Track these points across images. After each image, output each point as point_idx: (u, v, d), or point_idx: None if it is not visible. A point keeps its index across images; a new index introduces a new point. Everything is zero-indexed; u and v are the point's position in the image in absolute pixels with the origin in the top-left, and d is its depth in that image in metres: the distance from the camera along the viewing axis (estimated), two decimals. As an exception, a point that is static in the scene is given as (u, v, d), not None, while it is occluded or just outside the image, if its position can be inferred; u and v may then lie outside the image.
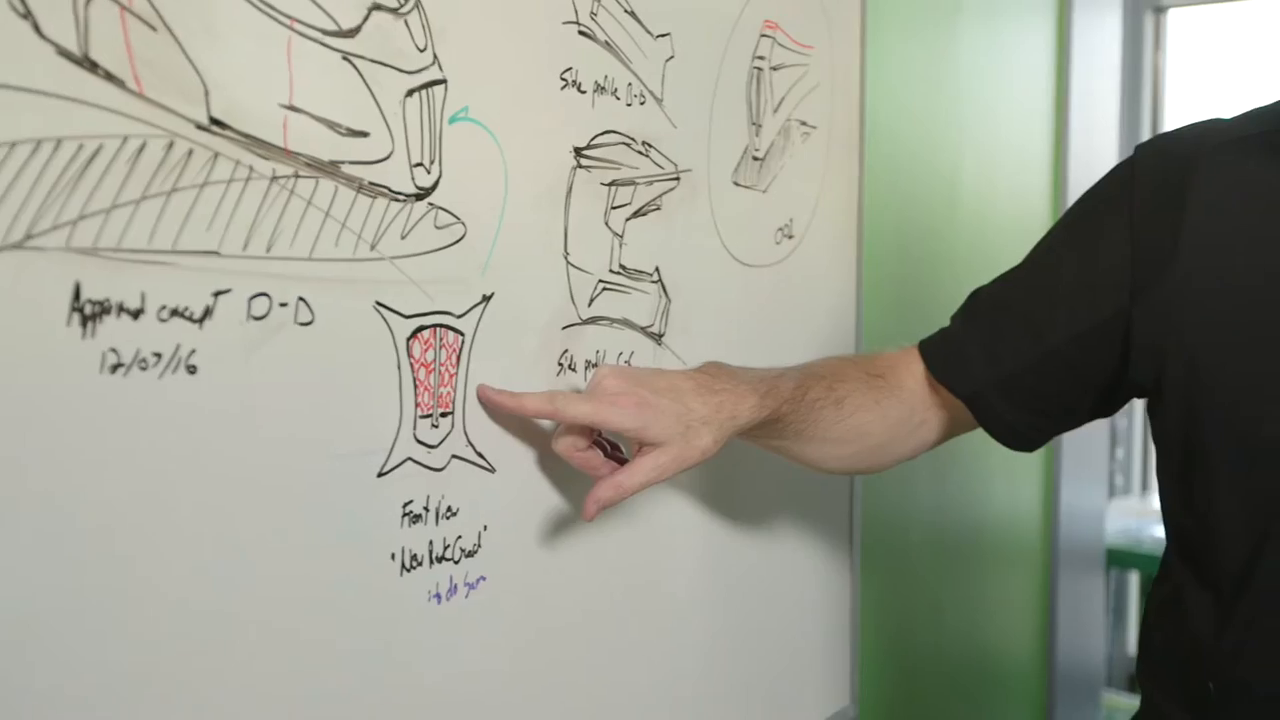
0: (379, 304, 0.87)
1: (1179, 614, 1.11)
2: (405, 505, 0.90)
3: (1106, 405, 1.16)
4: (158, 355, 0.73)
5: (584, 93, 1.05)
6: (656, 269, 1.16)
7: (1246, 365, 1.00)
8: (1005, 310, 1.17)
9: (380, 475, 0.88)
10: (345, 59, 0.83)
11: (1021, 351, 1.14)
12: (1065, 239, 1.15)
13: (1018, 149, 2.22)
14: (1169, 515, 1.13)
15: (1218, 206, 1.03)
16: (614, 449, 1.02)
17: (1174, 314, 1.04)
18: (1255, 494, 1.01)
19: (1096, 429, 2.74)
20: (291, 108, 0.80)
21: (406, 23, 0.88)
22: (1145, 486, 3.96)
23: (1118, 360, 1.09)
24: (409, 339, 0.90)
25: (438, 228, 0.92)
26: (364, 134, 0.85)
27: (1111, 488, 3.76)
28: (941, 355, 1.20)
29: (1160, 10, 3.96)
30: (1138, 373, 1.07)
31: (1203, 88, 3.95)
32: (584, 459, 1.00)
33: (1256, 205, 1.02)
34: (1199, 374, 1.02)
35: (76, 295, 0.68)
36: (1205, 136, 1.08)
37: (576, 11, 1.04)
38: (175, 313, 0.73)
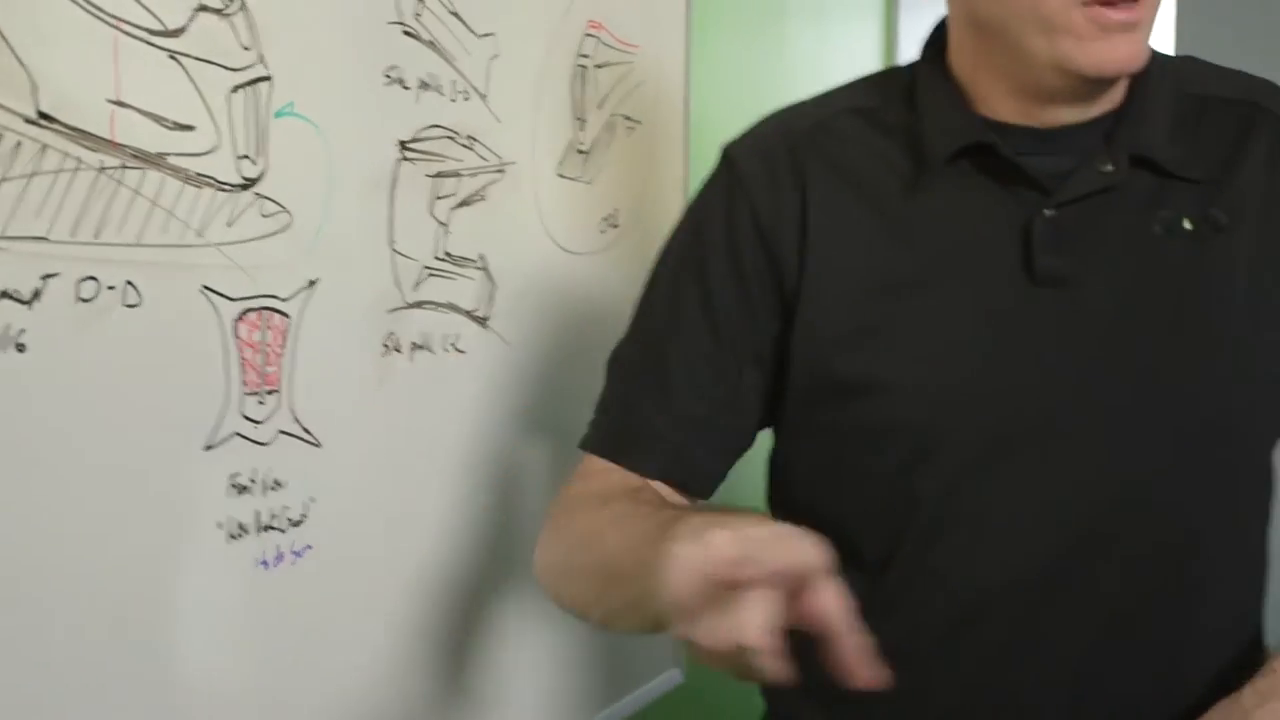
0: (206, 288, 0.93)
1: None
2: (232, 477, 0.96)
3: (771, 420, 1.10)
4: (-13, 334, 0.78)
5: (408, 89, 1.12)
6: (482, 256, 1.23)
7: (872, 367, 0.99)
8: (669, 368, 1.05)
9: (207, 449, 0.94)
10: (171, 57, 0.88)
11: (709, 401, 1.05)
12: (698, 272, 1.05)
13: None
14: (804, 511, 1.00)
15: (832, 202, 1.01)
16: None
17: (812, 315, 1.01)
18: (891, 496, 1.01)
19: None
20: (119, 103, 0.85)
21: (231, 23, 0.93)
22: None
23: (778, 373, 1.05)
24: (236, 320, 0.95)
25: (264, 216, 0.97)
26: (190, 128, 0.90)
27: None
28: (628, 445, 1.06)
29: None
30: (797, 380, 1.04)
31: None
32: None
33: (866, 193, 1.01)
34: (836, 376, 1.01)
35: (-93, 277, 0.73)
36: (795, 122, 1.05)
37: (400, 11, 1.10)
38: (4, 294, 0.78)
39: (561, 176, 1.35)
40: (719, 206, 1.05)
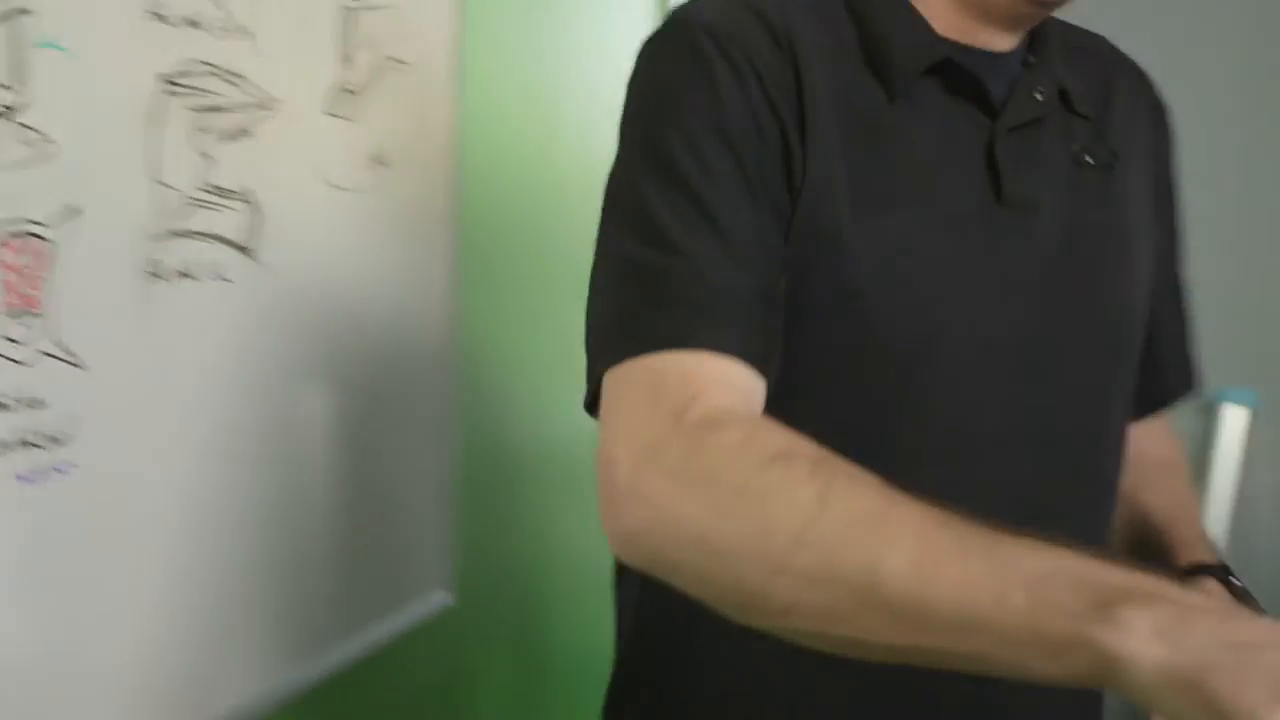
0: (-34, 212, 0.96)
1: None
2: (-8, 396, 1.00)
3: None
4: None
5: (173, 25, 1.15)
6: (248, 189, 1.27)
7: (857, 282, 0.94)
8: (726, 231, 0.90)
9: (-33, 368, 0.97)
10: (-72, -13, 0.91)
11: (769, 278, 0.92)
12: (716, 136, 0.91)
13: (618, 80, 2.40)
14: None
15: (818, 84, 0.95)
16: None
17: (809, 209, 0.93)
18: (860, 435, 0.91)
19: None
20: (-126, 30, 0.87)
21: (-10, -45, 0.96)
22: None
23: None
24: (-3, 245, 0.99)
25: (24, 144, 1.00)
26: (-53, 56, 0.93)
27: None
28: (708, 320, 0.88)
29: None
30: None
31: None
32: None
33: (839, 98, 0.96)
34: (826, 287, 0.94)
35: None
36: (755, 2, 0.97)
37: (165, -51, 1.14)
38: None
39: (330, 115, 1.40)
40: (717, 63, 0.92)
